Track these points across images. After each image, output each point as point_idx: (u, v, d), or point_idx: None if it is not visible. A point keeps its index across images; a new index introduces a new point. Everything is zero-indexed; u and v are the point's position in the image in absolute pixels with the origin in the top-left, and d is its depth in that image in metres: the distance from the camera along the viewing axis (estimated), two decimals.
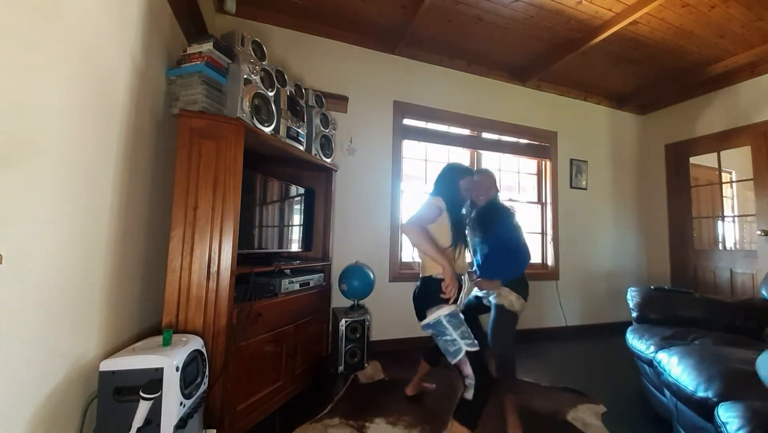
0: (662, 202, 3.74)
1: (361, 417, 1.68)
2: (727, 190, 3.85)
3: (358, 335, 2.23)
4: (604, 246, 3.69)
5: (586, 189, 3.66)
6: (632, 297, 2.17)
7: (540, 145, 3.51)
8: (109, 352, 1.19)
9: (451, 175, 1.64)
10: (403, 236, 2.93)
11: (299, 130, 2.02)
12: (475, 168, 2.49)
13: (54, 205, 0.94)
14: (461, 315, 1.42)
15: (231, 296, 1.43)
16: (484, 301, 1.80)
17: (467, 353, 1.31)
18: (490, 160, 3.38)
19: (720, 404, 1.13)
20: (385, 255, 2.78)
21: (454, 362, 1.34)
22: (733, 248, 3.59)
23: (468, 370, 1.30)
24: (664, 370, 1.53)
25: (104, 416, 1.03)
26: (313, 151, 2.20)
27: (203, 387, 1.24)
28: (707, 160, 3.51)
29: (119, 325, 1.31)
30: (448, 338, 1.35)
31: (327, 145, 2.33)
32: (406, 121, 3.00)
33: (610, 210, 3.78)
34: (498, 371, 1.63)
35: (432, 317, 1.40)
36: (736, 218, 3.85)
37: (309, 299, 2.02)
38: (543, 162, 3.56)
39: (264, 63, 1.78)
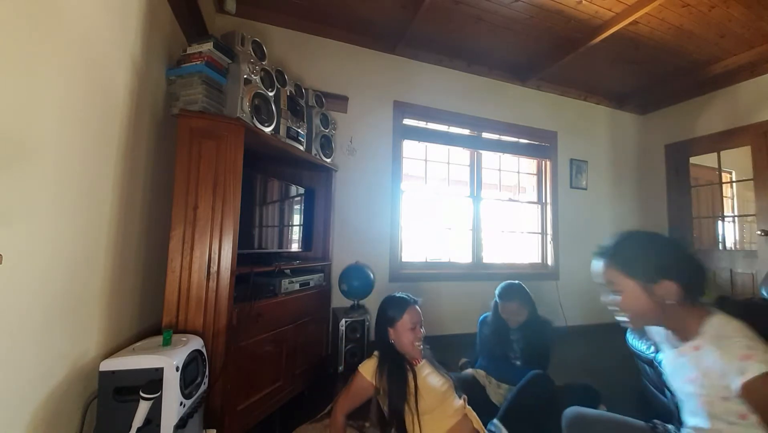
0: (662, 202, 3.74)
1: (361, 417, 1.68)
2: (727, 190, 3.86)
3: (358, 335, 2.23)
4: None
5: (586, 189, 3.66)
6: None
7: (540, 145, 3.51)
8: (109, 352, 1.19)
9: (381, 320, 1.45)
10: (403, 235, 2.93)
11: (299, 130, 2.02)
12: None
13: (54, 205, 0.94)
14: None
15: (231, 296, 1.43)
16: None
17: None
18: (490, 160, 3.39)
19: None
20: (385, 255, 2.78)
21: None
22: (733, 248, 3.59)
23: None
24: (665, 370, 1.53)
25: (104, 416, 1.03)
26: (313, 151, 2.20)
27: (203, 387, 1.24)
28: (707, 160, 3.51)
29: (119, 325, 1.30)
30: None
31: (327, 145, 2.33)
32: (406, 121, 3.00)
33: (610, 210, 3.78)
34: None
35: None
36: (736, 218, 3.85)
37: (309, 299, 2.02)
38: (543, 162, 3.56)
39: (264, 63, 1.77)
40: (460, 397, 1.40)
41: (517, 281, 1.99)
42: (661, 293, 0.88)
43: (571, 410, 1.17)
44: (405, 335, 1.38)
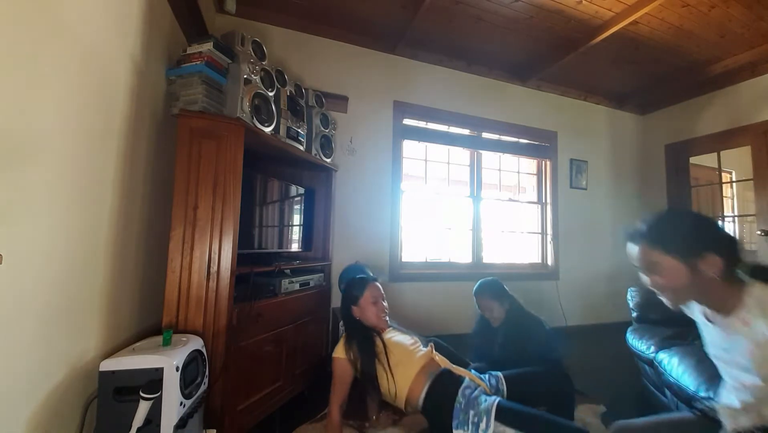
0: (662, 203, 3.74)
1: (361, 417, 1.68)
2: (727, 190, 3.86)
3: None
4: (604, 246, 3.69)
5: (586, 189, 3.66)
6: (632, 297, 2.17)
7: (540, 145, 3.51)
8: (109, 352, 1.19)
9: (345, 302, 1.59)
10: (403, 235, 2.93)
11: (299, 130, 2.02)
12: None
13: (54, 205, 0.94)
14: None
15: (231, 296, 1.43)
16: None
17: None
18: (490, 160, 3.39)
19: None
20: (385, 255, 2.78)
21: None
22: None
23: None
24: (665, 370, 1.53)
25: (104, 416, 1.03)
26: (313, 151, 2.20)
27: (203, 387, 1.24)
28: (707, 160, 3.51)
29: (119, 325, 1.30)
30: None
31: (327, 145, 2.33)
32: (406, 121, 3.00)
33: (610, 210, 3.78)
34: None
35: None
36: (736, 218, 3.85)
37: (309, 299, 2.02)
38: (543, 162, 3.56)
39: (264, 63, 1.77)
40: (426, 346, 1.51)
41: (492, 278, 1.95)
42: (705, 268, 0.88)
43: (619, 424, 1.13)
44: (369, 309, 1.52)
